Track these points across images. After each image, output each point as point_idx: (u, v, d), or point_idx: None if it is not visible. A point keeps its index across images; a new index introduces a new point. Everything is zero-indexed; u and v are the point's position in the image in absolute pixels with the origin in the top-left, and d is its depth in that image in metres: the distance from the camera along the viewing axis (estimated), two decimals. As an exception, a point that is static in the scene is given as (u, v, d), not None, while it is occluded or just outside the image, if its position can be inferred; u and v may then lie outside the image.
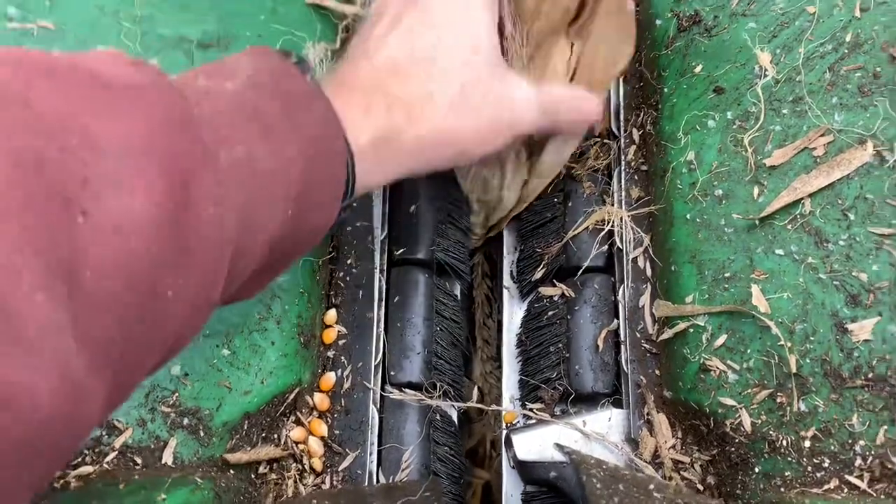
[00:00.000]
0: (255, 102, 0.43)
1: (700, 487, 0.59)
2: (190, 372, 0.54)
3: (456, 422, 0.70)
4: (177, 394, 0.53)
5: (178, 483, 0.48)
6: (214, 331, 0.55)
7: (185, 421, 0.53)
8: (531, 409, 0.67)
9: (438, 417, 0.68)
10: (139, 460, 0.50)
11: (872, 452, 0.50)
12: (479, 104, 0.55)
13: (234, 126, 0.40)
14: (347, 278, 0.68)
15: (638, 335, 0.64)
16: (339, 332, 0.66)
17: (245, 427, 0.56)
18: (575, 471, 0.49)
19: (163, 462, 0.51)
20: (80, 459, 0.48)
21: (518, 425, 0.69)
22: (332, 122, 0.47)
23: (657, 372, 0.63)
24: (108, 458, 0.49)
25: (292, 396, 0.60)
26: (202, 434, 0.53)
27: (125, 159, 0.31)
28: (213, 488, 0.49)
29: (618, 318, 0.67)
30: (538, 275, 0.72)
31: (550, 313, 0.71)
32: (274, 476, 0.59)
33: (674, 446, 0.61)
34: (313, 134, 0.45)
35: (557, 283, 0.71)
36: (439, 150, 0.54)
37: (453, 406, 0.71)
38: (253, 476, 0.57)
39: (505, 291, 0.76)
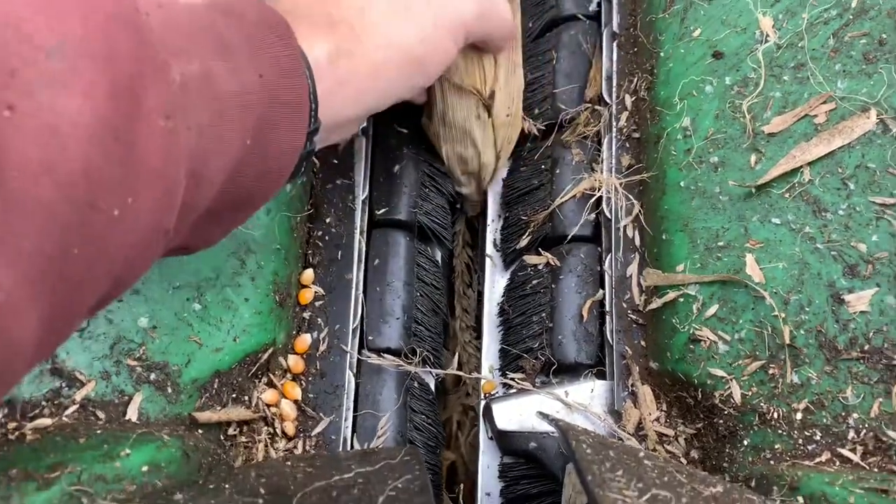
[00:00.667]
0: (212, 18, 0.39)
1: (683, 461, 0.58)
2: (158, 325, 0.50)
3: (433, 390, 0.68)
4: (144, 347, 0.49)
5: (144, 439, 0.45)
6: (185, 283, 0.52)
7: (153, 376, 0.50)
8: (512, 379, 0.65)
9: (416, 385, 0.65)
10: (102, 415, 0.47)
11: (866, 425, 0.49)
12: (416, 5, 0.53)
13: (190, 39, 0.37)
14: (326, 237, 0.65)
15: (624, 305, 0.63)
16: (315, 292, 0.63)
17: (215, 386, 0.53)
18: (563, 436, 0.47)
19: (127, 418, 0.48)
20: (37, 411, 0.44)
21: (497, 395, 0.67)
22: (289, 41, 0.44)
23: (643, 343, 0.61)
24: (69, 412, 0.45)
25: (265, 357, 0.57)
26: (170, 391, 0.50)
27: (63, 57, 0.29)
28: (180, 446, 0.46)
29: (603, 289, 0.65)
30: (523, 243, 0.70)
31: (534, 282, 0.68)
32: (244, 439, 0.56)
33: (658, 419, 0.59)
34: (272, 54, 0.42)
35: (543, 252, 0.69)
36: (393, 66, 0.52)
37: (431, 374, 0.69)
38: (222, 437, 0.54)
39: (487, 260, 0.74)
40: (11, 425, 0.43)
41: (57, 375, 0.46)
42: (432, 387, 0.68)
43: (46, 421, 0.44)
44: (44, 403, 0.45)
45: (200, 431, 0.51)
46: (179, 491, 0.41)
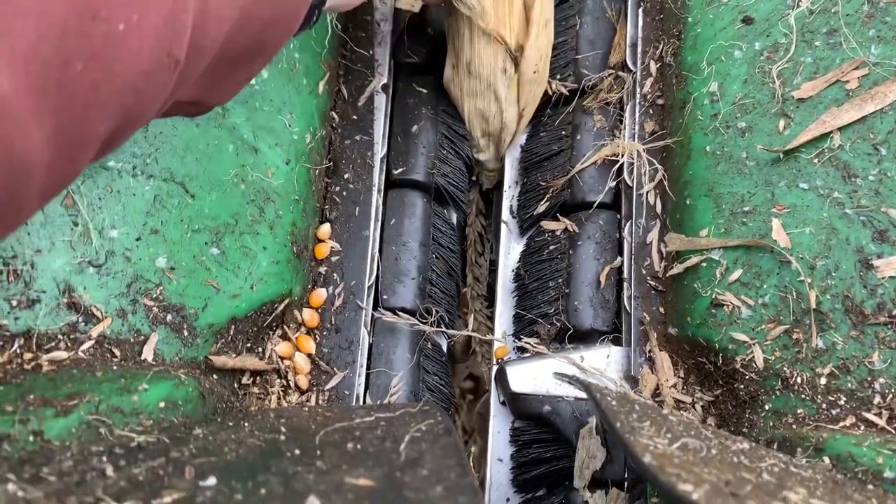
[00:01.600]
0: None
1: (700, 428, 0.57)
2: (176, 266, 0.50)
3: (446, 352, 0.67)
4: (161, 287, 0.48)
5: (162, 376, 0.44)
6: (204, 227, 0.51)
7: (169, 317, 0.49)
8: (527, 343, 0.65)
9: (430, 346, 0.65)
10: (117, 352, 0.46)
11: (893, 390, 0.48)
12: None
13: None
14: (344, 193, 0.64)
15: (643, 272, 0.62)
16: (332, 248, 0.62)
17: (231, 332, 0.52)
18: (586, 390, 0.46)
19: (142, 357, 0.47)
20: (53, 344, 0.43)
21: (511, 359, 0.66)
22: None
23: (661, 309, 0.61)
24: (84, 347, 0.44)
25: (281, 308, 0.56)
26: (186, 333, 0.49)
27: None
28: (197, 387, 0.46)
29: (622, 256, 0.64)
30: (541, 208, 0.69)
31: (552, 248, 0.68)
32: (257, 390, 0.55)
33: (675, 385, 0.58)
34: None
35: (561, 218, 0.68)
36: None
37: (445, 336, 0.68)
38: (236, 386, 0.53)
39: (503, 226, 0.73)
40: (27, 356, 0.42)
41: (73, 309, 0.45)
42: (445, 350, 0.67)
43: (62, 354, 0.43)
44: (60, 337, 0.44)
45: (215, 377, 0.50)
46: (198, 426, 0.40)
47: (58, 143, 0.30)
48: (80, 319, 0.45)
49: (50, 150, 0.30)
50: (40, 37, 0.28)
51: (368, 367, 0.61)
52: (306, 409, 0.45)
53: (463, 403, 0.81)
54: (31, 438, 0.35)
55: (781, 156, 0.55)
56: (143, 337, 0.47)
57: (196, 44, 0.36)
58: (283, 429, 0.40)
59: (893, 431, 0.47)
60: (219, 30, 0.38)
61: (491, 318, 0.72)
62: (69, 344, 0.44)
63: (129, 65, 0.31)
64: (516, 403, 0.62)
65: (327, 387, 0.58)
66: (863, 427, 0.48)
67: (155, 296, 0.48)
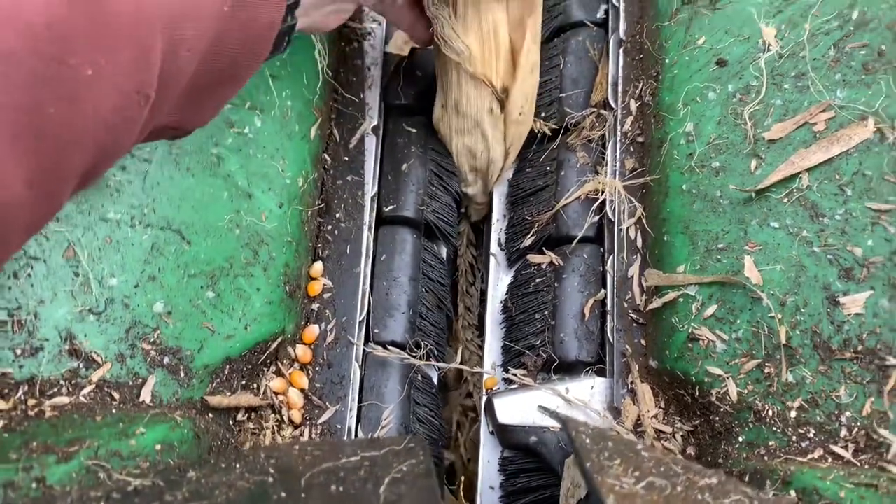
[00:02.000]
0: None
1: (680, 458, 0.59)
2: (173, 311, 0.52)
3: (436, 384, 0.70)
4: (158, 331, 0.51)
5: (158, 419, 0.46)
6: (200, 271, 0.54)
7: (166, 360, 0.51)
8: (514, 374, 0.67)
9: (420, 378, 0.67)
10: (117, 396, 0.48)
11: (858, 423, 0.50)
12: None
13: None
14: (336, 232, 0.67)
15: (625, 305, 0.64)
16: (324, 285, 0.65)
17: (226, 372, 0.55)
18: (563, 426, 0.48)
19: (141, 399, 0.49)
20: (55, 390, 0.46)
21: (499, 390, 0.68)
22: None
23: (643, 342, 0.63)
24: (85, 392, 0.47)
25: (275, 345, 0.59)
26: (182, 375, 0.52)
27: None
28: (192, 428, 0.48)
29: (605, 288, 0.67)
30: (527, 242, 0.72)
31: (537, 281, 0.70)
32: (252, 425, 0.58)
33: (656, 416, 0.60)
34: None
35: (546, 251, 0.70)
36: None
37: (435, 368, 0.70)
38: (231, 423, 0.56)
39: (492, 258, 0.75)
40: (31, 402, 0.45)
41: (74, 356, 0.47)
42: (435, 381, 0.70)
43: (64, 399, 0.46)
44: (62, 382, 0.46)
45: (211, 416, 0.53)
46: (192, 468, 0.42)
47: (36, 183, 0.33)
48: (81, 365, 0.47)
49: (29, 191, 0.32)
50: (11, 87, 0.30)
51: (360, 401, 0.63)
52: (297, 447, 0.48)
53: (465, 421, 0.83)
54: (33, 486, 0.37)
55: (753, 195, 0.57)
56: (141, 380, 0.50)
57: (166, 76, 0.38)
58: (271, 470, 0.42)
59: (858, 464, 0.49)
60: (189, 61, 0.40)
61: (481, 348, 0.74)
62: (70, 389, 0.46)
63: (99, 105, 0.34)
64: (504, 434, 0.64)
65: (320, 421, 0.60)
66: (830, 459, 0.50)
67: (152, 340, 0.51)
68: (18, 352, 0.45)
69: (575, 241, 0.68)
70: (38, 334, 0.46)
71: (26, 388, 0.45)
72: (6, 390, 0.44)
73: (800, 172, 0.56)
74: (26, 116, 0.31)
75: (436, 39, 0.64)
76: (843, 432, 0.50)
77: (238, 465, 0.43)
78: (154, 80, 0.37)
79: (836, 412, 0.51)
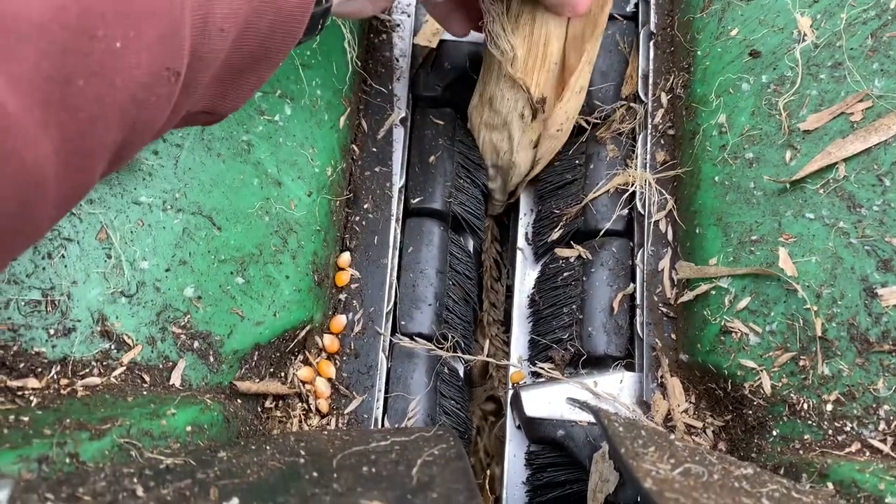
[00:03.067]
0: None
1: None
2: (203, 296, 0.52)
3: (462, 377, 0.69)
4: (188, 315, 0.51)
5: (188, 401, 0.46)
6: (230, 257, 0.54)
7: (196, 344, 0.51)
8: (541, 368, 0.66)
9: (446, 371, 0.67)
10: (147, 378, 0.48)
11: (897, 417, 0.49)
12: None
13: None
14: (363, 223, 0.67)
15: (655, 298, 0.63)
16: (352, 275, 0.64)
17: (255, 358, 0.55)
18: (595, 415, 0.48)
19: (171, 383, 0.49)
20: (87, 370, 0.46)
21: (526, 383, 0.68)
22: None
23: (673, 335, 0.62)
24: (116, 373, 0.47)
25: (303, 334, 0.58)
26: (212, 359, 0.52)
27: None
28: (222, 411, 0.48)
29: (634, 282, 0.66)
30: (555, 236, 0.71)
31: (565, 274, 0.69)
32: (279, 413, 0.57)
33: (686, 410, 0.60)
34: None
35: (575, 245, 0.70)
36: None
37: (461, 360, 0.70)
38: (259, 409, 0.56)
39: (518, 253, 0.75)
40: (63, 382, 0.45)
41: (106, 337, 0.47)
42: (461, 374, 0.69)
43: (96, 380, 0.46)
44: (93, 363, 0.47)
45: (239, 401, 0.53)
46: (223, 449, 0.42)
47: (66, 153, 0.33)
48: (113, 347, 0.47)
49: (59, 162, 0.32)
50: (42, 58, 0.30)
51: (386, 392, 0.63)
52: (325, 432, 0.47)
53: (485, 425, 0.82)
54: (67, 460, 0.37)
55: (788, 186, 0.57)
56: (171, 363, 0.50)
57: (197, 55, 0.38)
58: (302, 452, 0.42)
59: (898, 458, 0.48)
60: (221, 41, 0.40)
61: (507, 343, 0.74)
62: (102, 370, 0.47)
63: (128, 78, 0.34)
64: (531, 428, 0.64)
65: (347, 410, 0.60)
66: (868, 453, 0.49)
67: (183, 324, 0.51)
68: (52, 332, 0.46)
69: (602, 234, 0.68)
70: (71, 315, 0.47)
71: (59, 367, 0.45)
72: (39, 369, 0.45)
73: (836, 163, 0.55)
74: (57, 88, 0.31)
75: (484, 33, 0.64)
76: (882, 426, 0.49)
77: (269, 447, 0.43)
78: (184, 57, 0.37)
79: (874, 405, 0.50)
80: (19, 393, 0.43)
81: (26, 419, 0.39)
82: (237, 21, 0.40)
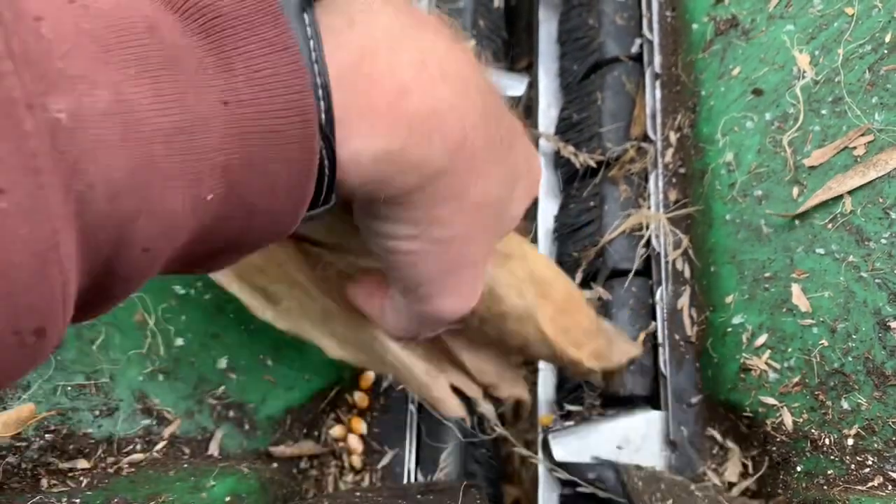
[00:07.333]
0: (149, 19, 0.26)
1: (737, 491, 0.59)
2: (235, 366, 0.55)
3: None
4: (223, 386, 0.54)
5: (226, 472, 0.49)
6: (259, 326, 0.57)
7: (231, 413, 0.54)
8: (568, 412, 0.68)
9: (476, 418, 0.68)
10: (187, 450, 0.51)
11: (918, 450, 0.49)
12: (488, 108, 0.36)
13: (105, 53, 0.24)
14: (387, 279, 0.69)
15: (676, 337, 0.64)
16: (378, 331, 0.67)
17: (288, 421, 0.57)
18: (615, 472, 0.49)
19: (209, 452, 0.52)
20: (131, 447, 0.49)
21: (555, 428, 0.69)
22: (291, 47, 0.28)
23: (696, 373, 0.63)
24: (158, 447, 0.50)
25: (333, 393, 0.61)
26: (247, 426, 0.54)
27: None
28: (258, 478, 0.50)
29: (655, 321, 0.67)
30: (576, 279, 0.73)
31: (587, 316, 0.71)
32: (314, 472, 0.60)
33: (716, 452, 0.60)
34: (254, 66, 0.27)
35: (594, 286, 0.71)
36: (433, 122, 0.32)
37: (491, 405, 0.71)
38: (294, 471, 0.58)
39: (541, 295, 0.76)
40: (110, 460, 0.48)
41: (147, 414, 0.50)
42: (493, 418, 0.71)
43: (139, 456, 0.49)
44: (136, 440, 0.49)
45: (275, 465, 0.55)
46: (259, 519, 0.44)
47: None
48: (154, 422, 0.50)
49: None
50: None
51: (418, 443, 0.65)
52: (357, 493, 0.49)
53: (525, 470, 0.83)
54: (115, 541, 0.40)
55: (797, 222, 0.57)
56: (208, 433, 0.52)
57: (100, 285, 0.27)
58: (334, 517, 0.44)
59: (921, 492, 0.48)
60: (152, 258, 0.27)
61: (535, 385, 0.75)
62: (145, 446, 0.49)
63: None
64: (562, 471, 0.65)
65: (380, 465, 0.62)
66: (890, 487, 0.49)
67: (218, 395, 0.53)
68: (97, 413, 0.49)
69: (620, 275, 0.69)
70: (114, 395, 0.50)
71: (105, 446, 0.48)
72: (87, 450, 0.48)
73: (843, 198, 0.56)
74: None
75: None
76: (904, 459, 0.50)
77: (302, 514, 0.45)
78: (39, 315, 0.24)
79: (894, 438, 0.50)
80: (70, 475, 0.46)
81: (77, 502, 0.42)
82: (178, 232, 0.28)
